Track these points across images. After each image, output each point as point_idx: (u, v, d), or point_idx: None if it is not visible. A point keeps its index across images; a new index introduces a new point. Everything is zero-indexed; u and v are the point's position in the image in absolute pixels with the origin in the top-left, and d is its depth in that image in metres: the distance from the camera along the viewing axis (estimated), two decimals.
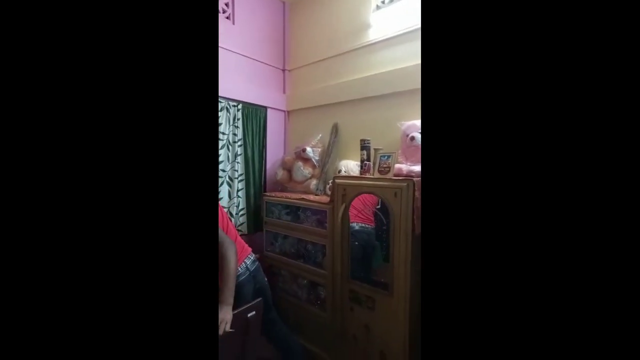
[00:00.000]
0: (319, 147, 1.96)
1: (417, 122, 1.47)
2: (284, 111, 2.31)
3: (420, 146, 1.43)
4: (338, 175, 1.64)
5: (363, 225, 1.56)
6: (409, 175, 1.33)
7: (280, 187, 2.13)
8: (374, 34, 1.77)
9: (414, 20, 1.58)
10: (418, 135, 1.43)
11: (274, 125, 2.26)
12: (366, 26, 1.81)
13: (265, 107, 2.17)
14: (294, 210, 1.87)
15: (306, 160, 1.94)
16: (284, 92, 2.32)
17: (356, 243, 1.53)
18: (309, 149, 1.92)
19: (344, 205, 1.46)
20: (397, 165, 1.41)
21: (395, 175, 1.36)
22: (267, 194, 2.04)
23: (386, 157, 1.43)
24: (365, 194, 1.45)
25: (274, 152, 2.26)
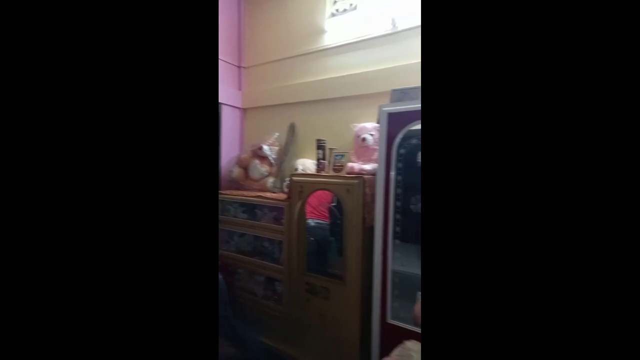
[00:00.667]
0: (276, 146, 1.99)
1: (368, 125, 1.60)
2: (240, 108, 2.29)
3: (370, 147, 1.56)
4: (295, 172, 1.70)
5: (318, 221, 1.64)
6: (360, 173, 1.45)
7: (236, 185, 2.11)
8: (329, 40, 1.87)
9: (366, 30, 1.71)
10: (369, 137, 1.56)
11: (229, 123, 2.22)
12: (321, 31, 1.89)
13: (220, 104, 2.12)
14: (250, 208, 1.87)
15: (263, 158, 1.96)
16: (240, 89, 2.29)
17: (312, 239, 1.60)
18: (265, 147, 1.94)
19: (300, 202, 1.52)
20: (349, 164, 1.52)
21: (348, 173, 1.47)
22: (222, 192, 2.00)
23: (340, 157, 1.53)
24: (321, 192, 1.54)
25: (229, 150, 2.22)
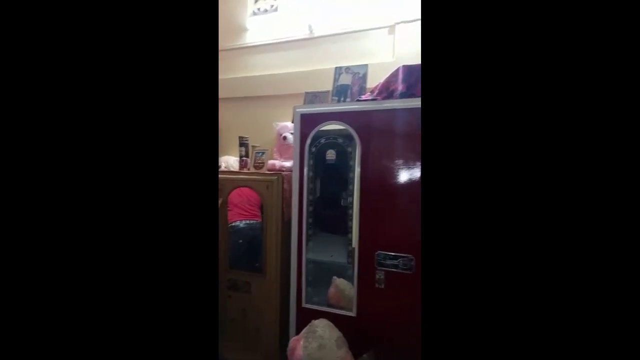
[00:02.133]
0: None
1: (289, 124, 1.68)
2: None
3: (290, 145, 1.64)
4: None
5: (248, 221, 1.64)
6: (280, 170, 1.52)
7: None
8: (250, 38, 1.88)
9: (285, 32, 1.78)
10: (289, 136, 1.64)
11: None
12: (243, 28, 1.90)
13: None
14: None
15: None
16: None
17: (240, 241, 1.58)
18: None
19: (221, 200, 1.52)
20: (271, 161, 1.58)
21: (268, 170, 1.52)
22: None
23: (261, 154, 1.58)
24: (249, 191, 1.55)
25: None
